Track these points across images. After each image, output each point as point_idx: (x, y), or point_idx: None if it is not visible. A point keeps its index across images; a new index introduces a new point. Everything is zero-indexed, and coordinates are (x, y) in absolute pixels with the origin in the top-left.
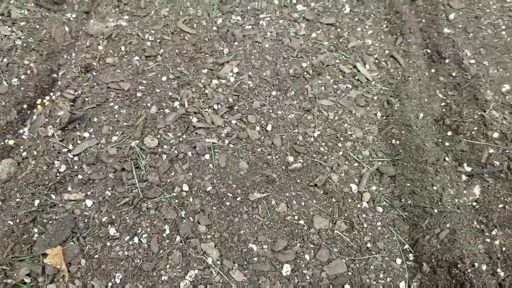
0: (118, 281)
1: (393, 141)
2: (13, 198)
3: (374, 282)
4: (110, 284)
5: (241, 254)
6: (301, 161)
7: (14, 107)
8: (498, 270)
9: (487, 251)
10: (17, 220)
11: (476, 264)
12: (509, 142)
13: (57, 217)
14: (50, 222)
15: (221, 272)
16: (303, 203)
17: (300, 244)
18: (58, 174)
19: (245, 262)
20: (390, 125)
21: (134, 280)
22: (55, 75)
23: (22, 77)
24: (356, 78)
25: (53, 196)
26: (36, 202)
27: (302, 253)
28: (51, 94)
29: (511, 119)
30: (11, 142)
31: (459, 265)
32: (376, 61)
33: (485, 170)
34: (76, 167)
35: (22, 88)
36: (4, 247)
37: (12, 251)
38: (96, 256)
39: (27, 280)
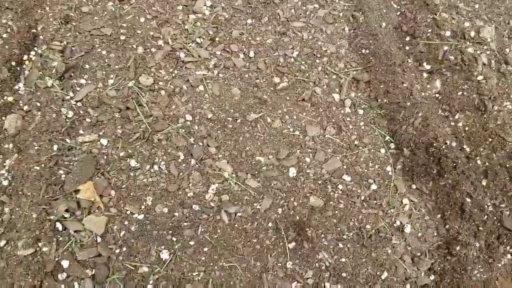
0: (150, 203)
1: (363, 50)
2: (30, 147)
3: (366, 170)
4: (143, 206)
5: (252, 166)
6: (286, 80)
7: (4, 65)
8: (464, 146)
9: (453, 132)
10: (42, 165)
11: (448, 142)
12: (459, 38)
13: (77, 158)
14: (72, 163)
15: (239, 182)
16: (295, 117)
17: (299, 150)
18: (67, 120)
19: (256, 172)
20: (359, 37)
21: (163, 201)
22: (34, 30)
23: (4, 35)
24: None
25: (68, 140)
26: (55, 147)
27: (302, 157)
28: (35, 48)
29: (458, 19)
30: (10, 98)
31: (434, 144)
32: None
33: (443, 66)
34: (82, 111)
35: (6, 47)
36: (38, 189)
37: (46, 192)
38: (124, 186)
39: (67, 215)
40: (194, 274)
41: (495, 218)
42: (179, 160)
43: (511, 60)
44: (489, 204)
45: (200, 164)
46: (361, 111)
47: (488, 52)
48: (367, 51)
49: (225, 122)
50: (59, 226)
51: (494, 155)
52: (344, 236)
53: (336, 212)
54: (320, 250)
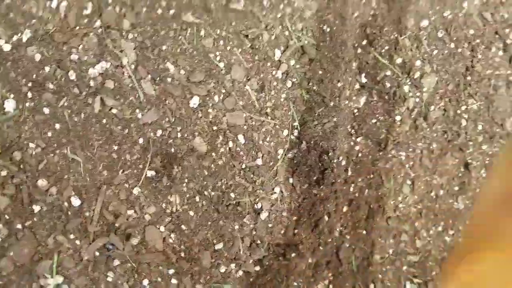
0: (25, 39)
1: (325, 27)
2: None
3: (261, 142)
4: (15, 38)
5: (157, 69)
6: (242, 6)
7: None
8: (349, 169)
9: (348, 152)
10: None
11: (341, 158)
12: (404, 72)
13: None
14: None
15: (133, 78)
16: (228, 48)
17: (214, 84)
18: None
19: (158, 78)
20: (328, 10)
21: (41, 46)
22: None
23: None
24: None
25: None
26: None
27: (212, 93)
28: None
29: (413, 53)
30: None
31: (329, 154)
32: None
33: (375, 88)
34: None
35: None
36: None
37: None
38: (8, 1)
39: None
40: (30, 145)
41: (335, 244)
42: (84, 13)
43: (431, 118)
44: (338, 229)
45: (104, 31)
46: (289, 84)
47: (417, 100)
48: (328, 29)
49: (156, 6)
50: None
51: (366, 191)
52: (206, 192)
53: (212, 166)
54: (175, 193)
